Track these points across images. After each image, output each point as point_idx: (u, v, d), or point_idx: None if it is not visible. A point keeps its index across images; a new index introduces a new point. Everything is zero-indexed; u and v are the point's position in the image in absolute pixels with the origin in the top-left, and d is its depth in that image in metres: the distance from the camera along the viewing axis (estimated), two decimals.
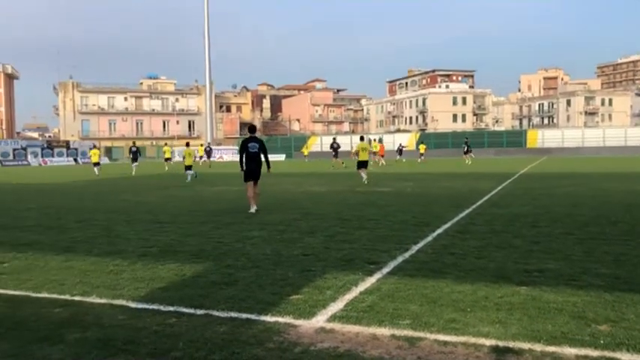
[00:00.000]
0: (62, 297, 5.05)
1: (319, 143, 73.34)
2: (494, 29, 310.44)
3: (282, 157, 70.50)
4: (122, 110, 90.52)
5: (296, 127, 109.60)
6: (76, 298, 5.01)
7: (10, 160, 63.43)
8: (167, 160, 38.53)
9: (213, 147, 45.79)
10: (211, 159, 48.20)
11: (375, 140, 48.19)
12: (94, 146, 37.59)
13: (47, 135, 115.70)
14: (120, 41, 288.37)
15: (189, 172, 23.36)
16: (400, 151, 48.73)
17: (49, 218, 11.05)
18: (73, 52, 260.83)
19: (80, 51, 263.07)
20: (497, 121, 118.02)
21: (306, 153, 59.54)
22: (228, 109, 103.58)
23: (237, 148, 11.59)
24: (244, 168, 11.67)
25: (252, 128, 12.34)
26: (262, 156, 11.76)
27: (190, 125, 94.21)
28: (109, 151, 79.96)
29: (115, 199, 15.64)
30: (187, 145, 26.31)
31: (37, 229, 9.56)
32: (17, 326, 4.22)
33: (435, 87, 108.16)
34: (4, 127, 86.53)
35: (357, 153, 20.64)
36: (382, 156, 41.04)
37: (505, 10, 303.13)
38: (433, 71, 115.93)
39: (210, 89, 78.87)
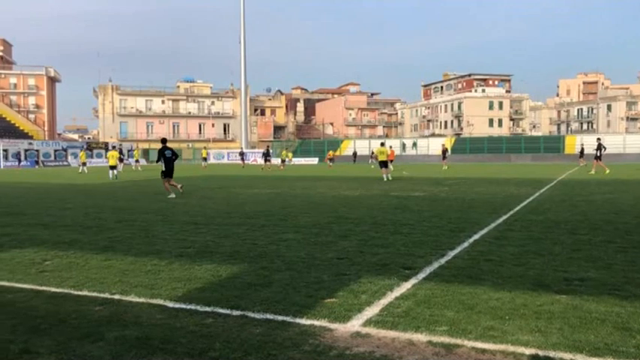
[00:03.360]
0: (102, 295, 5.16)
1: (352, 147, 73.24)
2: (532, 33, 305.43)
3: (315, 160, 70.65)
4: (159, 113, 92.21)
5: (329, 130, 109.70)
6: (116, 296, 5.11)
7: (51, 160, 65.28)
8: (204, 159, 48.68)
9: (247, 150, 49.74)
10: (245, 162, 50.60)
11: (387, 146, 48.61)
12: (113, 147, 39.67)
13: (87, 136, 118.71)
14: (158, 45, 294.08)
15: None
16: (444, 154, 46.19)
17: (88, 218, 11.31)
18: (112, 55, 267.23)
19: (119, 54, 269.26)
20: (534, 127, 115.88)
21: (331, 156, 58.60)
22: (263, 113, 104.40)
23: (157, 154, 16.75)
24: (164, 168, 16.45)
25: (164, 140, 17.02)
26: (174, 159, 16.59)
27: (225, 128, 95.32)
28: (146, 153, 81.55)
29: (152, 199, 15.92)
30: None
31: (77, 228, 9.80)
32: (59, 323, 4.33)
33: (470, 91, 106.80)
34: (46, 128, 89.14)
35: (376, 157, 26.48)
36: (391, 161, 42.04)
37: (543, 13, 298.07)
38: (469, 75, 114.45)
39: (246, 93, 79.72)
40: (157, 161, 16.79)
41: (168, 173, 16.49)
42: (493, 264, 6.32)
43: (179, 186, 16.96)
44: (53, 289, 5.41)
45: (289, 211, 12.28)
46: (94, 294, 5.21)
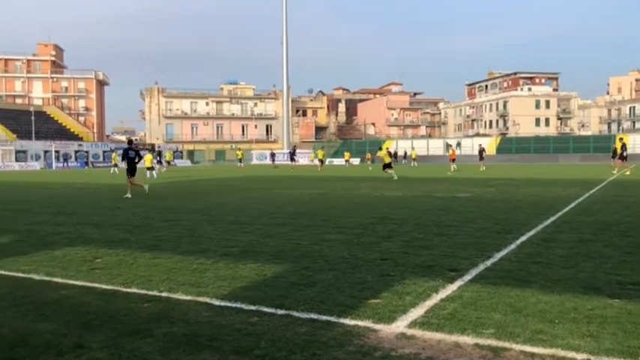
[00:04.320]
0: (150, 293, 5.28)
1: (394, 147, 72.73)
2: (580, 28, 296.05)
3: (356, 160, 70.49)
4: (204, 115, 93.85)
5: (371, 130, 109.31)
6: (163, 294, 5.22)
7: (99, 161, 67.31)
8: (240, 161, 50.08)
9: (277, 151, 50.59)
10: (294, 162, 51.31)
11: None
12: (149, 150, 41.88)
13: (134, 138, 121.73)
14: (202, 48, 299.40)
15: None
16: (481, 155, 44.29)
17: (135, 217, 11.61)
18: (158, 58, 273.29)
19: (165, 57, 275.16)
20: (583, 126, 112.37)
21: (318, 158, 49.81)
22: (304, 114, 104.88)
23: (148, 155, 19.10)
24: (128, 167, 17.65)
25: (130, 141, 18.79)
26: (137, 159, 17.70)
27: (268, 129, 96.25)
28: (191, 154, 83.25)
29: (197, 199, 16.21)
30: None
31: (126, 227, 10.07)
32: (110, 319, 4.45)
33: (516, 90, 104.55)
34: (95, 130, 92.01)
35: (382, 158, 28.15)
36: (453, 160, 41.34)
37: (592, 8, 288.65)
38: (515, 74, 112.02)
39: (288, 94, 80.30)
40: (122, 160, 18.59)
41: (131, 172, 17.65)
42: (541, 266, 6.17)
43: (144, 187, 18.27)
44: (104, 286, 5.57)
45: (332, 211, 12.29)
46: (143, 291, 5.34)
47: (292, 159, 48.93)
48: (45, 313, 4.64)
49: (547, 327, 4.10)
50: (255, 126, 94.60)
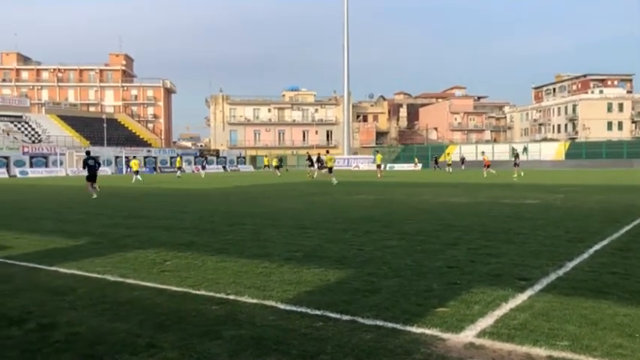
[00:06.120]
0: (218, 295, 5.40)
1: (458, 152, 71.47)
2: None
3: (418, 166, 69.67)
4: (266, 121, 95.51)
5: (433, 135, 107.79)
6: (231, 297, 5.33)
7: (167, 167, 69.63)
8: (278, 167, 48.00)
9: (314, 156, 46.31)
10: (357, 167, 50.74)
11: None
12: (134, 157, 45.45)
13: (199, 144, 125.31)
14: (264, 55, 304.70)
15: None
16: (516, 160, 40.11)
17: (202, 221, 11.91)
18: (222, 66, 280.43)
19: (229, 65, 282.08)
20: None
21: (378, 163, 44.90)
22: (365, 119, 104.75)
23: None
24: (88, 174, 20.88)
25: (88, 152, 23.14)
26: (98, 167, 21.80)
27: (328, 135, 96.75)
28: (253, 160, 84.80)
29: (260, 204, 16.47)
30: (327, 152, 33.26)
31: (193, 230, 10.35)
32: (180, 320, 4.58)
33: (586, 92, 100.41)
34: (162, 136, 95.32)
35: (325, 163, 32.19)
36: (488, 166, 41.52)
37: None
38: (584, 76, 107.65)
39: (348, 100, 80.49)
40: (83, 168, 21.44)
41: (91, 178, 20.86)
42: (618, 277, 5.88)
43: (98, 188, 21.10)
44: (173, 288, 5.75)
45: (393, 217, 12.19)
46: (211, 294, 5.46)
47: (313, 164, 43.19)
48: (119, 313, 4.83)
49: (626, 341, 3.90)
50: (316, 132, 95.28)
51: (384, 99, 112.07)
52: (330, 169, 31.33)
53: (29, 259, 7.52)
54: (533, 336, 4.03)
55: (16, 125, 69.15)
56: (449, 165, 53.07)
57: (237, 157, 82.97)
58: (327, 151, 36.40)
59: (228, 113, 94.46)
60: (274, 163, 49.05)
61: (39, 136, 68.53)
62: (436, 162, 61.31)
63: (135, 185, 31.13)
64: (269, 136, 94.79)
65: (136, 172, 35.81)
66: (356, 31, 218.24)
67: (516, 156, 40.54)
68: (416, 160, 70.51)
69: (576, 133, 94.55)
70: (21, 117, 71.79)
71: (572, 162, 64.70)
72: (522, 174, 37.49)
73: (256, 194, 21.67)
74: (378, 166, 42.80)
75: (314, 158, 42.41)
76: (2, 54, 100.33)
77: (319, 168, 42.42)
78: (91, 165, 21.06)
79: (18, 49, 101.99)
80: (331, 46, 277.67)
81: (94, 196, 19.94)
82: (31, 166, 58.77)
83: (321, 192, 22.10)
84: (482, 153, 50.84)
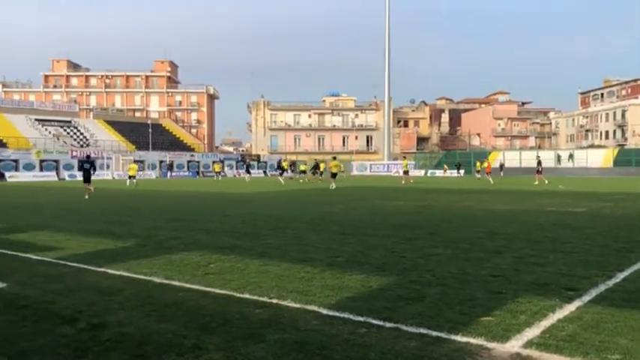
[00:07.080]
0: (261, 299, 5.45)
1: (501, 158, 70.08)
2: None
3: (460, 172, 68.65)
4: (306, 126, 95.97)
5: (476, 141, 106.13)
6: (274, 300, 5.37)
7: (210, 171, 70.71)
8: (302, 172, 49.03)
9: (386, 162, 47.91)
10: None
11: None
12: (134, 161, 49.26)
13: (241, 149, 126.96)
14: (305, 61, 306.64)
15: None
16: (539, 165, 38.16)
17: (245, 225, 12.05)
18: (264, 72, 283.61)
19: (270, 71, 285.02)
20: None
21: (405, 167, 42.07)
22: (406, 124, 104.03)
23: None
24: (84, 176, 23.55)
25: (88, 156, 26.67)
26: (91, 170, 23.57)
27: (368, 140, 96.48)
28: (292, 165, 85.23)
29: (301, 208, 16.55)
30: (334, 158, 35.86)
31: (235, 234, 10.48)
32: (225, 322, 4.65)
33: (637, 98, 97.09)
34: (205, 141, 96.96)
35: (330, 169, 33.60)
36: (488, 173, 41.36)
37: None
38: (635, 80, 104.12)
39: (389, 105, 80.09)
40: (79, 170, 24.26)
41: (85, 180, 23.33)
42: None
43: (92, 189, 23.05)
44: (217, 291, 5.83)
45: (436, 224, 12.06)
46: (254, 297, 5.52)
47: (313, 172, 45.20)
48: (166, 314, 4.94)
49: None
50: (356, 137, 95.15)
51: (426, 104, 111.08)
52: (334, 175, 32.80)
53: (79, 260, 7.76)
54: (582, 348, 3.93)
55: (65, 130, 71.56)
56: (539, 172, 40.68)
57: (278, 162, 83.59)
58: (334, 157, 37.45)
59: (269, 119, 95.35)
60: (284, 165, 49.05)
61: (87, 140, 70.69)
62: (458, 168, 61.68)
63: (129, 188, 32.69)
64: (309, 141, 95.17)
65: (131, 177, 37.02)
66: (398, 36, 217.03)
67: (539, 163, 38.52)
68: (445, 166, 70.33)
69: (625, 139, 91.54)
70: (70, 122, 74.26)
71: (620, 169, 62.57)
72: (546, 182, 35.96)
73: (296, 198, 21.77)
74: (405, 172, 39.86)
75: (313, 164, 46.30)
76: (53, 61, 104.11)
77: (313, 174, 45.44)
78: (86, 168, 23.51)
79: (68, 56, 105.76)
80: (372, 51, 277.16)
81: (86, 196, 21.88)
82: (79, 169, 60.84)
83: (360, 197, 22.05)
84: (538, 156, 45.49)
